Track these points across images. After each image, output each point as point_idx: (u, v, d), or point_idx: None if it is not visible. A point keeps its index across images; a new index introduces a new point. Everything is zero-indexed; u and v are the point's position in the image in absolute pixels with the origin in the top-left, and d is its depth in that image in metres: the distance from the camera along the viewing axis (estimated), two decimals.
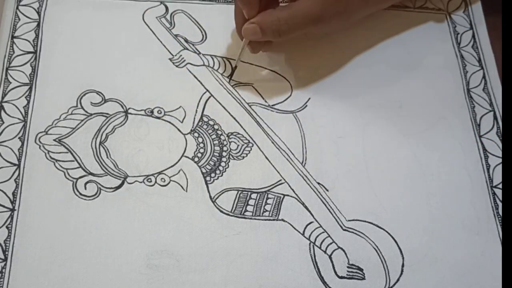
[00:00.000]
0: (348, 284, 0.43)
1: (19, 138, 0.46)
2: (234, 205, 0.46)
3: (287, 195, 0.47)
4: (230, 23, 0.54)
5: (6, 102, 0.48)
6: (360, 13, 0.48)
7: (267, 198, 0.46)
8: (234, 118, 0.49)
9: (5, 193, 0.44)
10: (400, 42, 0.55)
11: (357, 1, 0.47)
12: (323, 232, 0.45)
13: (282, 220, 0.45)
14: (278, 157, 0.48)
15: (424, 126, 0.51)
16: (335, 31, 0.52)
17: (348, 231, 0.45)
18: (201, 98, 0.50)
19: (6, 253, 0.42)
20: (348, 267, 0.44)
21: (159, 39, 0.53)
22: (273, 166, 0.48)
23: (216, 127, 0.49)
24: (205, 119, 0.49)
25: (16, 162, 0.45)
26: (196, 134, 0.48)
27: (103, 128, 0.48)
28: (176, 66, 0.51)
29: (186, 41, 0.53)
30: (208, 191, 0.46)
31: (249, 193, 0.46)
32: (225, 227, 0.45)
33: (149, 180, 0.46)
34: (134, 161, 0.46)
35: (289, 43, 0.53)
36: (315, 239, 0.45)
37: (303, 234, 0.45)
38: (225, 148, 0.48)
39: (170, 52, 0.52)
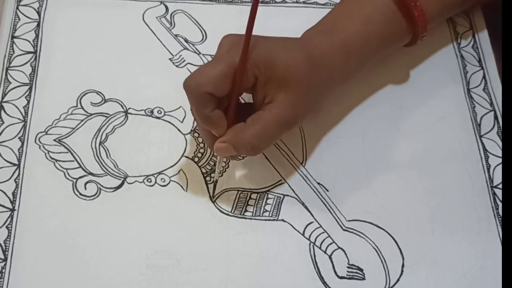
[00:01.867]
0: (348, 284, 0.43)
1: (19, 138, 0.46)
2: (234, 205, 0.46)
3: (287, 195, 0.47)
4: (230, 23, 0.54)
5: (6, 102, 0.48)
6: (326, 99, 0.46)
7: (267, 198, 0.46)
8: None
9: (5, 193, 0.44)
10: None
11: (323, 91, 0.44)
12: (323, 232, 0.45)
13: (282, 220, 0.45)
14: (278, 157, 0.48)
15: (424, 126, 0.51)
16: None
17: (348, 231, 0.45)
18: None
19: (6, 253, 0.42)
20: (348, 267, 0.44)
21: (159, 39, 0.53)
22: (273, 166, 0.48)
23: None
24: None
25: (16, 162, 0.45)
26: (196, 134, 0.48)
27: (103, 128, 0.48)
28: (176, 66, 0.51)
29: (186, 41, 0.53)
30: (208, 191, 0.46)
31: (249, 193, 0.46)
32: (225, 227, 0.45)
33: (149, 180, 0.46)
34: (134, 161, 0.46)
35: None
36: (315, 239, 0.45)
37: (303, 234, 0.45)
38: None
39: (170, 52, 0.52)
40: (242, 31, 0.54)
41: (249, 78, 0.40)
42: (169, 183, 0.46)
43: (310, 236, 0.45)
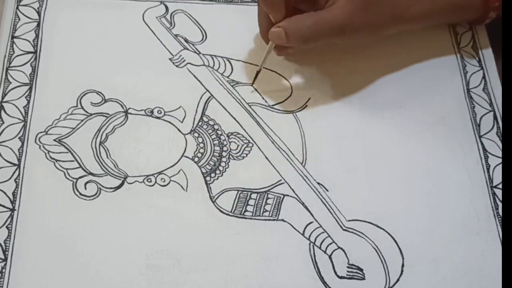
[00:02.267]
0: (348, 284, 0.43)
1: (19, 138, 0.46)
2: (234, 205, 0.46)
3: (287, 195, 0.47)
4: (230, 23, 0.54)
5: (6, 102, 0.48)
6: (389, 29, 0.48)
7: (267, 198, 0.46)
8: (234, 118, 0.49)
9: (5, 193, 0.44)
10: (400, 42, 0.55)
11: (386, 16, 0.47)
12: (323, 232, 0.45)
13: (282, 220, 0.45)
14: (278, 157, 0.48)
15: (424, 126, 0.51)
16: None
17: (348, 231, 0.45)
18: (201, 98, 0.50)
19: (6, 253, 0.42)
20: (348, 267, 0.44)
21: (159, 39, 0.53)
22: (273, 166, 0.48)
23: (216, 127, 0.49)
24: (205, 119, 0.49)
25: (16, 162, 0.45)
26: (196, 134, 0.48)
27: (103, 128, 0.48)
28: (176, 66, 0.51)
29: (186, 41, 0.53)
30: (208, 191, 0.46)
31: (249, 193, 0.46)
32: (225, 227, 0.45)
33: (149, 180, 0.46)
34: (134, 161, 0.46)
35: None
36: (315, 239, 0.45)
37: (303, 234, 0.45)
38: (225, 148, 0.48)
39: (170, 52, 0.52)
40: (242, 31, 0.54)
41: None
42: (169, 183, 0.46)
43: (310, 236, 0.45)
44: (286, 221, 0.45)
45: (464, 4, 0.51)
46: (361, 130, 0.50)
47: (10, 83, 0.48)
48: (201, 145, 0.48)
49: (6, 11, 0.52)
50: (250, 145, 0.48)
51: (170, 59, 0.52)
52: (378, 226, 0.46)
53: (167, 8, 0.54)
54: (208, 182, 0.46)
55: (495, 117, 0.52)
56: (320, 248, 0.45)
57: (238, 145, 0.48)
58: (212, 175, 0.47)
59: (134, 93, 0.49)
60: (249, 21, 0.54)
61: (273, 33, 0.46)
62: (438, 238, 0.46)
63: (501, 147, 0.50)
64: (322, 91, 0.52)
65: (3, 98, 0.48)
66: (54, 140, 0.47)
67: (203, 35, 0.53)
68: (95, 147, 0.47)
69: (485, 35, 0.56)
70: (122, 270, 0.42)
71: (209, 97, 0.50)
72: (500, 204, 0.48)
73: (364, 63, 0.53)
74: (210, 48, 0.53)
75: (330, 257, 0.44)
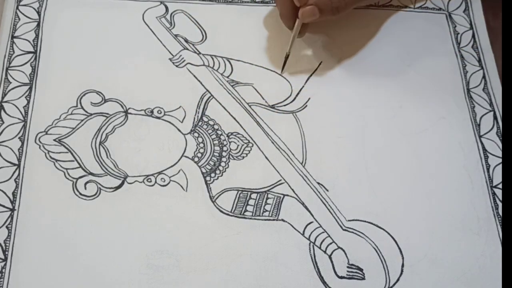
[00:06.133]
0: (348, 284, 0.43)
1: (19, 138, 0.46)
2: (234, 205, 0.46)
3: (287, 195, 0.47)
4: (230, 23, 0.54)
5: (6, 102, 0.48)
6: None
7: (267, 198, 0.46)
8: (234, 118, 0.49)
9: (5, 193, 0.44)
10: (400, 42, 0.55)
11: None
12: (323, 232, 0.45)
13: (282, 220, 0.45)
14: (278, 157, 0.48)
15: (424, 126, 0.51)
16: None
17: (348, 231, 0.45)
18: (201, 98, 0.50)
19: (6, 253, 0.42)
20: (348, 267, 0.44)
21: (159, 39, 0.53)
22: (273, 166, 0.48)
23: (216, 127, 0.49)
24: (205, 119, 0.49)
25: (16, 162, 0.45)
26: (196, 134, 0.48)
27: (103, 128, 0.48)
28: (176, 66, 0.51)
29: (186, 41, 0.53)
30: (208, 191, 0.46)
31: (249, 193, 0.46)
32: (225, 227, 0.45)
33: (149, 180, 0.46)
34: (134, 161, 0.46)
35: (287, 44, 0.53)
36: (315, 239, 0.45)
37: (303, 234, 0.45)
38: (225, 148, 0.48)
39: (170, 52, 0.52)
40: (242, 31, 0.54)
41: None
42: (169, 183, 0.46)
43: (310, 236, 0.45)
44: (286, 221, 0.45)
45: None
46: (361, 130, 0.50)
47: (10, 83, 0.48)
48: (201, 145, 0.48)
49: (6, 11, 0.52)
50: (250, 145, 0.48)
51: (170, 59, 0.52)
52: (378, 226, 0.46)
53: (167, 8, 0.54)
54: (208, 182, 0.46)
55: (495, 117, 0.52)
56: (320, 248, 0.45)
57: (238, 145, 0.48)
58: (212, 175, 0.47)
59: (134, 93, 0.49)
60: (249, 21, 0.54)
61: (305, 12, 0.48)
62: (438, 238, 0.46)
63: (501, 147, 0.50)
64: (322, 91, 0.52)
65: (3, 98, 0.48)
66: (54, 140, 0.47)
67: (203, 35, 0.53)
68: (95, 147, 0.47)
69: (486, 35, 0.56)
70: (122, 270, 0.42)
71: (209, 97, 0.50)
72: (500, 204, 0.48)
73: (364, 63, 0.53)
74: (210, 48, 0.53)
75: (330, 257, 0.44)
